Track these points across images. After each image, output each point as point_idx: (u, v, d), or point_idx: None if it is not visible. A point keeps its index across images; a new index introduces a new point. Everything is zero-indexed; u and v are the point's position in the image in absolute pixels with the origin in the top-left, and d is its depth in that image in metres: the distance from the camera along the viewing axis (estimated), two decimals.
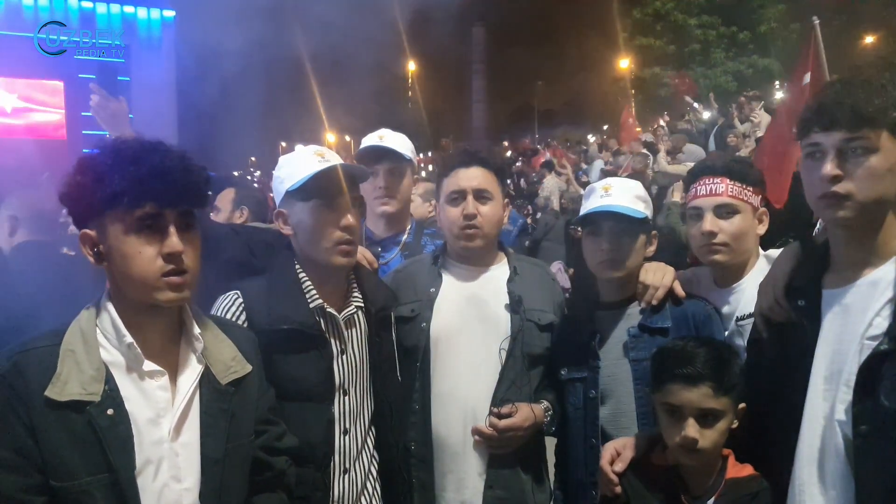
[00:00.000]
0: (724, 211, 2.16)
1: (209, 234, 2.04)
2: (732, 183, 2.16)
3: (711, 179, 2.19)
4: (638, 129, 14.20)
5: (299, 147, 2.14)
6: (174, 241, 1.47)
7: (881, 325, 1.50)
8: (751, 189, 2.18)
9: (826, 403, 1.58)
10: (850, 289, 1.60)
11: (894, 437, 1.45)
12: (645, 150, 10.74)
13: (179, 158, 1.51)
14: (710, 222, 2.16)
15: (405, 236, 2.83)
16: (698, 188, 2.22)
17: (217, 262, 2.16)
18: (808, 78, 4.93)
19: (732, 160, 2.26)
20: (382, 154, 2.74)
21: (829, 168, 1.52)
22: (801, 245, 1.80)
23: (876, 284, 1.55)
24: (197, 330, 1.61)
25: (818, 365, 1.61)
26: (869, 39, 20.95)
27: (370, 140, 2.79)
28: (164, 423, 1.51)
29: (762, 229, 2.22)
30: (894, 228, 1.57)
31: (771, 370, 1.73)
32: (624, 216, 2.13)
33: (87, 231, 1.50)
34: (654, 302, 2.13)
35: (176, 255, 1.47)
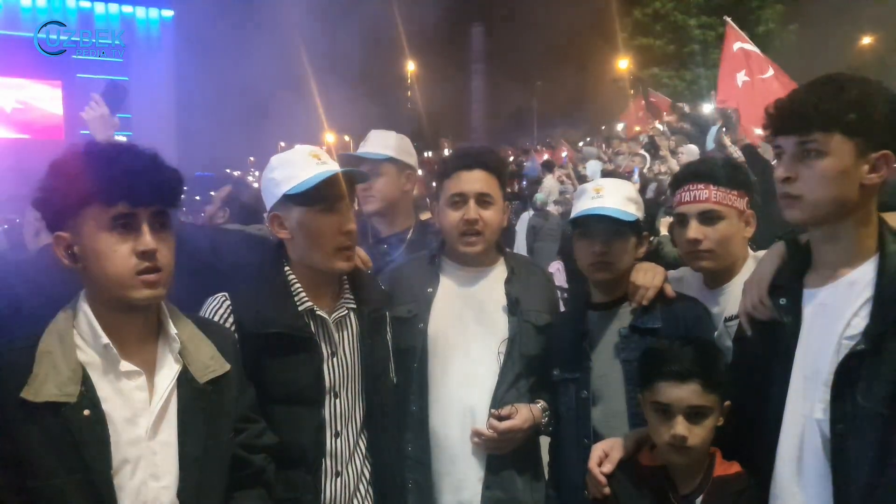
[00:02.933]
0: (708, 217, 2.16)
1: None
2: (716, 189, 2.16)
3: (695, 185, 2.19)
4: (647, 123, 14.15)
5: (297, 147, 2.14)
6: (147, 239, 1.50)
7: (859, 325, 1.52)
8: (735, 193, 2.17)
9: (805, 402, 1.59)
10: (829, 288, 1.61)
11: (870, 436, 1.46)
12: (643, 152, 10.76)
13: (151, 159, 1.54)
14: (694, 229, 2.16)
15: (410, 234, 2.89)
16: (683, 195, 2.22)
17: (177, 263, 2.18)
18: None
19: (717, 165, 2.24)
20: (361, 158, 2.90)
21: (780, 171, 1.59)
22: (786, 244, 1.81)
23: (854, 284, 1.56)
24: (174, 330, 1.63)
25: (798, 364, 1.63)
26: (866, 40, 20.97)
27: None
28: (142, 423, 1.53)
29: (749, 231, 2.21)
30: (871, 228, 1.59)
31: (754, 368, 1.75)
32: (615, 219, 2.13)
33: (61, 233, 1.53)
34: (645, 302, 2.13)
35: (149, 252, 1.50)
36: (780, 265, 1.78)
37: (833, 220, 1.58)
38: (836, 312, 1.57)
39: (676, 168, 8.77)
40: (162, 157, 1.57)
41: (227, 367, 1.69)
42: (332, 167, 1.98)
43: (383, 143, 2.94)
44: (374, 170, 2.86)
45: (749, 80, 6.86)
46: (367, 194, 2.87)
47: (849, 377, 1.50)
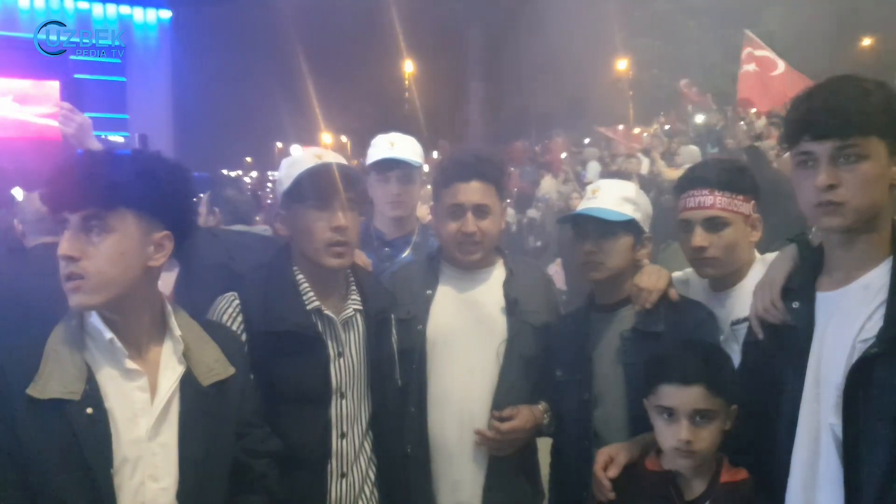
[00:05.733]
0: (714, 224, 2.10)
1: None
2: (721, 194, 2.10)
3: (700, 191, 2.13)
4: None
5: (295, 147, 2.15)
6: (62, 245, 1.48)
7: (873, 328, 1.50)
8: (741, 198, 2.12)
9: (818, 406, 1.58)
10: (843, 292, 1.59)
11: (883, 439, 1.45)
12: (640, 154, 10.77)
13: (91, 160, 1.54)
14: (699, 237, 2.11)
15: (415, 237, 2.88)
16: (687, 200, 2.16)
17: (194, 266, 2.18)
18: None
19: (722, 169, 2.18)
20: (395, 163, 2.81)
21: (824, 178, 1.52)
22: (798, 247, 1.79)
23: (868, 288, 1.55)
24: (178, 331, 1.63)
25: (811, 367, 1.60)
26: (867, 41, 21.02)
27: (382, 147, 2.86)
28: (142, 423, 1.53)
29: (756, 236, 2.18)
30: (886, 231, 1.58)
31: (766, 373, 1.72)
32: (604, 219, 2.12)
33: None
34: (648, 305, 2.11)
35: (64, 258, 1.48)
36: (793, 268, 1.75)
37: (867, 223, 1.56)
38: (849, 316, 1.55)
39: (665, 171, 8.81)
40: (125, 157, 1.56)
41: (232, 370, 1.69)
42: (322, 162, 1.97)
43: (413, 149, 2.89)
44: (409, 176, 2.84)
45: (758, 70, 7.08)
46: (399, 199, 2.83)
47: (861, 380, 1.48)
